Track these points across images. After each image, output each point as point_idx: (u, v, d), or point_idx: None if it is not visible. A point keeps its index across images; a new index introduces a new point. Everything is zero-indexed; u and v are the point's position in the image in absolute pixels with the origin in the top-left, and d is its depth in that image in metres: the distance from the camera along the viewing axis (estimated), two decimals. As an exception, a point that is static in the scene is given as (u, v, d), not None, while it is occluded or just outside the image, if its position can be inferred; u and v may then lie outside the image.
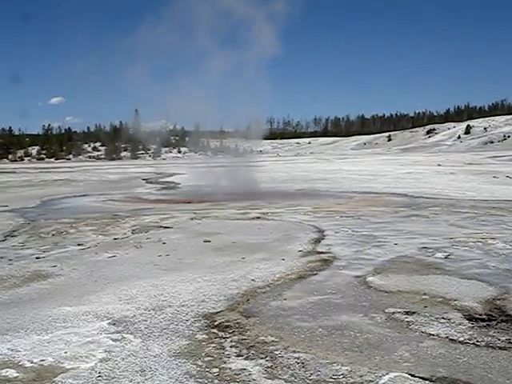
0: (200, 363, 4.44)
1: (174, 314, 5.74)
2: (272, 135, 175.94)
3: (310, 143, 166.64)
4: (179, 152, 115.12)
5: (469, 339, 4.91)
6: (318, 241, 9.86)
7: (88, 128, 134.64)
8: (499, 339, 4.92)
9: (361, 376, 4.15)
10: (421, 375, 4.15)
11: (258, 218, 13.25)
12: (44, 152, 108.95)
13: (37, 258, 8.96)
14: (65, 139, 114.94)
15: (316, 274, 7.40)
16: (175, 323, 5.45)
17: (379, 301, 6.12)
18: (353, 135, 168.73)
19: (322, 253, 8.77)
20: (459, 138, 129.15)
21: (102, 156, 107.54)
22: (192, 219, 13.16)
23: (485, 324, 5.33)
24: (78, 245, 10.04)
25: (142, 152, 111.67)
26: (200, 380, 4.13)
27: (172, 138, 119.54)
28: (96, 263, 8.45)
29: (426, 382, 4.05)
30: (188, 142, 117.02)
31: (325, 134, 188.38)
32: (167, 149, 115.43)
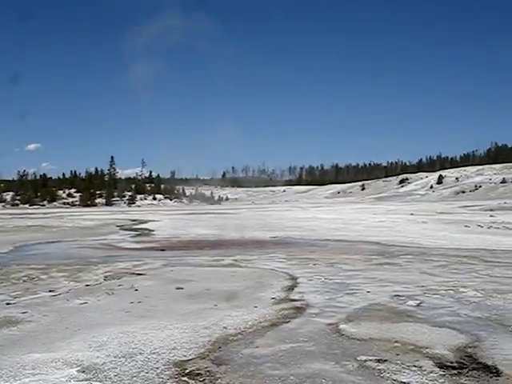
0: (170, 411, 4.39)
1: (145, 362, 5.68)
2: (247, 183, 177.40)
3: (284, 191, 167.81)
4: (154, 199, 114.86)
5: (440, 387, 4.92)
6: (291, 288, 9.85)
7: (63, 174, 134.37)
8: (470, 387, 4.93)
9: (332, 424, 4.13)
10: (392, 423, 4.14)
11: (232, 265, 13.22)
12: (18, 198, 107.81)
13: (7, 303, 8.83)
14: (40, 185, 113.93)
15: (289, 321, 7.37)
16: (145, 371, 5.39)
17: (351, 348, 6.11)
18: (327, 184, 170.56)
19: (294, 300, 8.76)
20: (431, 187, 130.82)
21: (77, 202, 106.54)
22: (165, 266, 13.08)
23: (456, 372, 5.34)
24: (50, 291, 9.91)
25: (117, 199, 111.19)
26: (169, 428, 4.08)
27: (147, 185, 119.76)
28: (67, 310, 8.34)
29: (397, 430, 4.03)
30: (163, 189, 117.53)
31: (299, 182, 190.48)
32: (142, 196, 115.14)
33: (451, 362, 5.62)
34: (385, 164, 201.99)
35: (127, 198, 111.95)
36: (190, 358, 5.84)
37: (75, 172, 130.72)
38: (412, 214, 44.58)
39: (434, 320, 7.36)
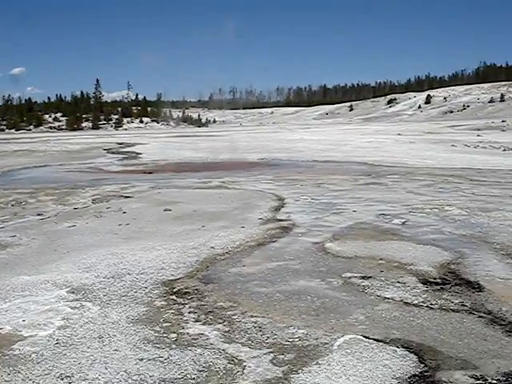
0: (158, 329, 4.47)
1: (133, 282, 5.75)
2: (235, 105, 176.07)
3: (272, 113, 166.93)
4: (141, 122, 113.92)
5: (423, 302, 5.02)
6: (277, 209, 9.92)
7: (49, 98, 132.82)
8: (452, 302, 5.04)
9: (316, 339, 4.23)
10: (375, 337, 4.24)
11: (219, 186, 13.27)
12: (4, 123, 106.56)
13: (-5, 228, 8.86)
14: (25, 110, 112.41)
15: (275, 241, 7.46)
16: (134, 290, 5.47)
17: (336, 266, 6.21)
18: (315, 105, 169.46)
19: (281, 220, 8.84)
20: (419, 107, 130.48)
21: (64, 127, 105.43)
22: (153, 188, 13.11)
23: (439, 287, 5.45)
24: (38, 215, 9.94)
25: (104, 122, 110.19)
26: (158, 345, 4.17)
27: (134, 108, 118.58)
28: (55, 233, 8.38)
29: (380, 343, 4.13)
30: (150, 112, 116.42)
31: (287, 103, 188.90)
32: (129, 119, 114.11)
33: (434, 278, 5.73)
34: (373, 84, 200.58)
35: (114, 121, 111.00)
36: (178, 277, 5.92)
37: (61, 96, 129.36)
38: (399, 135, 44.63)
39: (418, 238, 7.47)
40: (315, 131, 61.01)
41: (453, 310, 4.83)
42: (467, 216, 8.93)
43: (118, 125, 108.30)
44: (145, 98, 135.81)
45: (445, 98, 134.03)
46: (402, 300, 5.07)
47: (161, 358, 3.95)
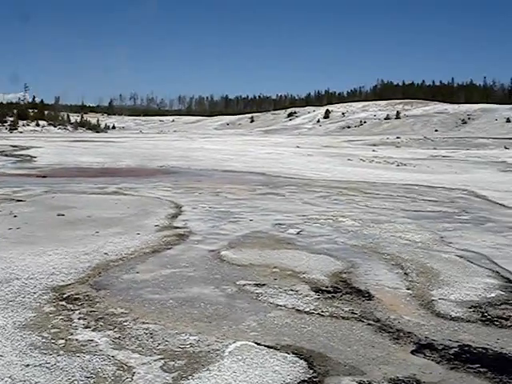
0: (46, 335, 4.34)
1: (22, 287, 5.56)
2: (135, 112, 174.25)
3: (173, 121, 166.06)
4: (37, 125, 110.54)
5: (314, 309, 5.11)
6: (175, 216, 9.87)
7: None
8: (343, 310, 5.15)
9: (208, 345, 4.22)
10: (266, 344, 4.27)
11: (116, 192, 13.05)
12: None
13: None
14: None
15: (171, 248, 7.41)
16: (22, 296, 5.28)
17: (231, 274, 6.23)
18: (216, 115, 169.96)
19: (178, 228, 8.80)
20: (318, 121, 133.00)
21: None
22: (46, 192, 12.74)
23: (330, 295, 5.56)
24: None
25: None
26: (45, 351, 4.04)
27: (30, 110, 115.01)
28: None
29: (271, 350, 4.17)
30: (47, 115, 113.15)
31: (189, 112, 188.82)
32: (25, 122, 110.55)
33: (326, 287, 5.85)
34: (274, 97, 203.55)
35: (9, 123, 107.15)
36: (69, 283, 5.77)
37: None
38: (298, 147, 45.42)
39: (312, 247, 7.61)
40: (216, 141, 61.18)
41: (343, 318, 4.94)
42: (360, 227, 9.17)
43: (13, 127, 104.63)
44: (42, 100, 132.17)
45: (343, 114, 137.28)
46: (294, 307, 5.15)
47: (47, 365, 3.83)
